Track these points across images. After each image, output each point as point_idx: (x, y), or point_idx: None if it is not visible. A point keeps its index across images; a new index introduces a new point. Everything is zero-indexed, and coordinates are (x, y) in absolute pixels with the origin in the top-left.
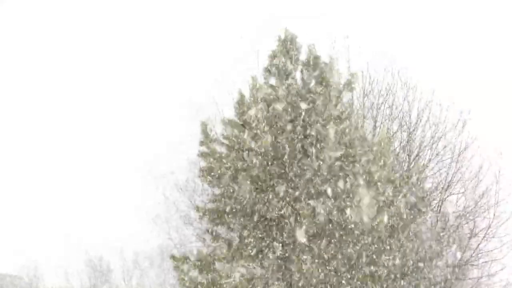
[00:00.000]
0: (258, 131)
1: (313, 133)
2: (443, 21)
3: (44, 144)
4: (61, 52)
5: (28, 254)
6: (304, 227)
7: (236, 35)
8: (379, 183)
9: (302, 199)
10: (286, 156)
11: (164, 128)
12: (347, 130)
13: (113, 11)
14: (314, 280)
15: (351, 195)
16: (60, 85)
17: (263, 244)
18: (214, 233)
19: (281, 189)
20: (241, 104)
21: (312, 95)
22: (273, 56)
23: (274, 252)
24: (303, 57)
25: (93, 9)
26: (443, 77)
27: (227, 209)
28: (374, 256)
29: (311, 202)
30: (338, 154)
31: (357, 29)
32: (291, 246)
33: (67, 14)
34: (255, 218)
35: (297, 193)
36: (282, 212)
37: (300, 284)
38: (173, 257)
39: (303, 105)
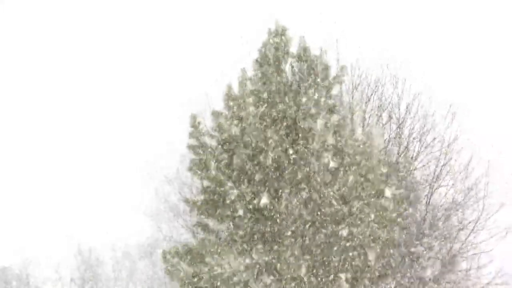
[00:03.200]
0: (247, 124)
1: (302, 125)
2: (432, 12)
3: (33, 135)
4: (61, 52)
5: (18, 246)
6: (291, 219)
7: (236, 35)
8: (368, 175)
9: (291, 191)
10: (274, 148)
11: (163, 128)
12: (336, 122)
13: (113, 11)
14: (302, 271)
15: (340, 188)
16: (60, 85)
17: (252, 236)
18: (203, 226)
19: (269, 181)
20: (229, 97)
21: (301, 87)
22: (263, 48)
23: (263, 244)
24: (294, 49)
25: (93, 9)
26: (432, 69)
27: (216, 201)
28: (363, 248)
29: (300, 194)
30: (327, 146)
31: (356, 27)
32: (279, 238)
33: (67, 14)
34: (244, 210)
35: (285, 185)
36: (270, 202)
37: (288, 275)
38: (162, 250)
39: (293, 97)
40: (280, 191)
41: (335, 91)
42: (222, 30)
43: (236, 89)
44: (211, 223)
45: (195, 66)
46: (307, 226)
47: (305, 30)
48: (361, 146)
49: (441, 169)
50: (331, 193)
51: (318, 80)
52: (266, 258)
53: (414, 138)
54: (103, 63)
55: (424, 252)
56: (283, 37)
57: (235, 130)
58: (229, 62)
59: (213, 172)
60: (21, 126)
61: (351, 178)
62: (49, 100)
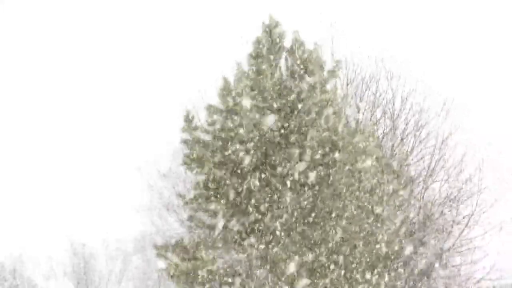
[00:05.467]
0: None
1: (296, 120)
2: (432, 11)
3: (28, 134)
4: (62, 52)
5: (11, 242)
6: (286, 215)
7: (236, 35)
8: (362, 171)
9: (285, 187)
10: (269, 144)
11: (163, 128)
12: (330, 117)
13: (113, 12)
14: (297, 266)
15: (334, 183)
16: (60, 85)
17: (246, 231)
18: (197, 220)
19: (264, 177)
20: (225, 91)
21: (296, 82)
22: (258, 43)
23: (256, 239)
24: (288, 44)
25: (93, 9)
26: (427, 65)
27: (210, 196)
28: (357, 244)
29: (294, 190)
30: (321, 141)
31: (356, 28)
32: (273, 234)
33: (67, 14)
34: (238, 205)
35: (280, 181)
36: (264, 199)
37: (282, 270)
38: (156, 245)
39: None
40: (273, 186)
41: (329, 85)
42: (222, 30)
43: (229, 81)
44: (205, 217)
45: (195, 65)
46: (299, 222)
47: (305, 28)
48: (355, 140)
49: (435, 164)
50: (325, 189)
51: (312, 74)
52: (259, 252)
53: (408, 133)
54: (103, 64)
55: (418, 247)
56: (276, 31)
57: (230, 124)
58: (229, 62)
59: (207, 167)
60: (21, 126)
61: (344, 173)
62: (49, 99)
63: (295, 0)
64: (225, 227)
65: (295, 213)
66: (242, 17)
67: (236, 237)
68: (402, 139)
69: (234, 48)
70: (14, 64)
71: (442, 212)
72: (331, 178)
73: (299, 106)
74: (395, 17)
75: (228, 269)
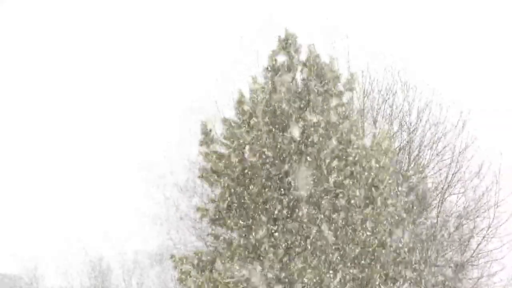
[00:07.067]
0: (259, 132)
1: (312, 133)
2: (443, 20)
3: (43, 143)
4: (61, 52)
5: (28, 254)
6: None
7: (236, 35)
8: (379, 183)
9: (301, 200)
10: (283, 157)
11: (164, 128)
12: (346, 130)
13: (112, 12)
14: (314, 280)
15: (350, 196)
16: (60, 85)
17: (264, 243)
18: (214, 233)
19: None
20: (241, 104)
21: (312, 95)
22: (273, 56)
23: (274, 251)
24: (303, 57)
25: (93, 9)
26: (443, 76)
27: (227, 209)
28: (373, 255)
29: (310, 203)
30: (337, 154)
31: (357, 28)
32: (291, 245)
33: (67, 14)
34: (255, 218)
35: (296, 194)
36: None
37: (300, 284)
38: (173, 257)
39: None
40: (291, 201)
41: (345, 98)
42: (222, 29)
43: (244, 95)
44: (222, 230)
45: (195, 66)
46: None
47: (305, 30)
48: (373, 151)
49: (452, 176)
50: (342, 202)
51: (328, 87)
52: (277, 269)
53: (425, 146)
54: (103, 63)
55: (435, 259)
56: (292, 45)
57: (246, 138)
58: (229, 62)
59: (224, 180)
60: (21, 128)
61: (360, 185)
62: (49, 101)
63: (296, 1)
64: (242, 240)
65: (311, 227)
66: (242, 17)
67: (253, 251)
68: (418, 152)
69: (234, 48)
70: (14, 64)
71: (459, 225)
72: (347, 190)
73: (315, 119)
74: (394, 17)
75: (245, 284)
